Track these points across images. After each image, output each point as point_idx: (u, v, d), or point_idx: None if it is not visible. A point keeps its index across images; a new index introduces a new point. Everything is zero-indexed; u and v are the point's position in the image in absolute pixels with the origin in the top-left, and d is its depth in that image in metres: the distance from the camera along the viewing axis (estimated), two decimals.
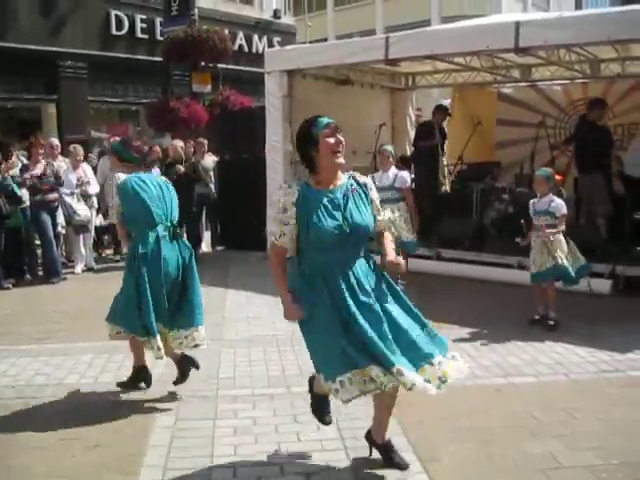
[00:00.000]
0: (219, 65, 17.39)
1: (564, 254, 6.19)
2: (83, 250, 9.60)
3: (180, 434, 4.04)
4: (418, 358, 3.24)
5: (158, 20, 18.74)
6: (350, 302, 3.21)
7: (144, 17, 18.90)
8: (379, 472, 3.50)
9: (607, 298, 7.31)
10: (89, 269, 9.53)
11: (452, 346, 5.61)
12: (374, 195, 3.44)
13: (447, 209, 10.13)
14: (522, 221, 6.82)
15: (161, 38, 18.01)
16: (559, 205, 6.21)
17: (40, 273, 8.97)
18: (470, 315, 6.61)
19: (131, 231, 4.71)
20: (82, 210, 9.37)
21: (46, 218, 8.68)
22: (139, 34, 18.85)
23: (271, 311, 6.92)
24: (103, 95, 18.37)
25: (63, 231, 9.32)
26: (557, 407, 4.35)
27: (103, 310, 7.11)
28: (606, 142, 8.64)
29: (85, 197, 9.56)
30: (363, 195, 3.35)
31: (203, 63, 16.63)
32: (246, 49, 21.59)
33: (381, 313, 3.26)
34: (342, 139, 3.28)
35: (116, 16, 18.27)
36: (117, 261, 10.17)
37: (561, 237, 6.25)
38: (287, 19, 24.08)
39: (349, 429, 4.02)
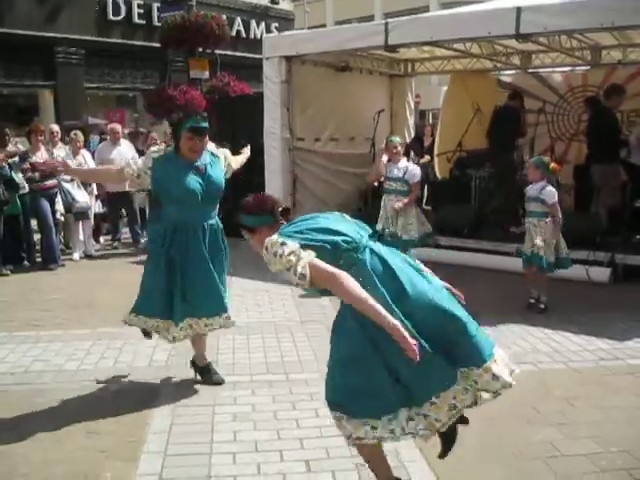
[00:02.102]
0: (217, 51, 17.28)
1: (545, 243, 6.22)
2: (82, 237, 9.58)
3: (180, 421, 4.04)
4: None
5: (155, 6, 18.61)
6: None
7: (141, 2, 18.73)
8: None
9: (606, 287, 7.32)
10: (87, 256, 9.52)
11: None
12: (223, 163, 4.50)
13: (446, 196, 10.13)
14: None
15: (158, 24, 17.87)
16: (549, 192, 6.26)
17: (38, 260, 8.95)
18: (468, 303, 6.57)
19: None
20: (81, 197, 9.35)
21: (45, 205, 8.65)
22: (136, 20, 18.70)
23: (270, 298, 6.94)
24: (100, 81, 18.26)
25: (62, 218, 9.28)
26: (556, 395, 4.36)
27: (101, 297, 7.16)
28: (620, 130, 8.62)
29: (84, 184, 9.52)
30: (215, 164, 4.37)
31: (201, 49, 16.51)
32: (244, 35, 21.46)
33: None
34: (203, 142, 4.25)
35: (113, 1, 18.10)
36: (115, 248, 10.18)
37: (550, 225, 6.26)
38: (285, 5, 23.91)
39: None
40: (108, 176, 4.61)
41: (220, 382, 4.62)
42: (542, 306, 6.40)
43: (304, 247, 2.64)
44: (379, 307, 2.54)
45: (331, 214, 2.95)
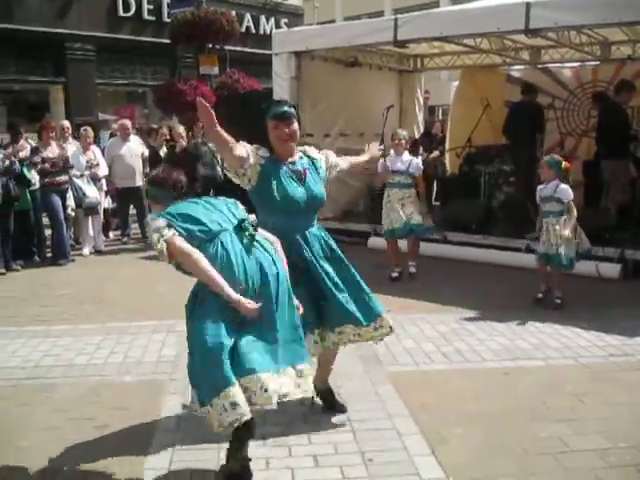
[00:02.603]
0: (226, 47, 17.30)
1: (563, 241, 6.17)
2: (91, 232, 9.62)
3: (188, 415, 4.04)
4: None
5: (165, 2, 18.65)
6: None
7: None
8: (387, 454, 3.51)
9: (616, 282, 7.29)
10: (97, 251, 9.56)
11: (460, 330, 5.68)
12: (324, 166, 3.88)
13: (455, 192, 10.10)
14: (528, 204, 6.81)
15: (168, 20, 17.90)
16: (565, 190, 6.20)
17: (48, 255, 9.00)
18: (478, 299, 6.60)
19: None
20: (91, 192, 9.39)
21: (56, 200, 8.67)
22: (146, 16, 18.74)
23: None
24: (111, 77, 18.32)
25: (73, 214, 9.32)
26: (565, 391, 4.35)
27: (110, 292, 7.20)
28: (629, 126, 8.57)
29: (94, 179, 9.57)
30: (314, 170, 3.77)
31: (210, 45, 16.54)
32: (253, 31, 21.46)
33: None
34: (291, 129, 3.63)
35: None
36: (124, 243, 10.22)
37: (567, 224, 6.19)
38: (294, 0, 23.89)
39: (356, 411, 4.03)
40: (230, 154, 3.54)
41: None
42: (558, 301, 6.34)
43: (169, 227, 3.04)
44: (224, 285, 2.97)
45: (215, 200, 3.31)
